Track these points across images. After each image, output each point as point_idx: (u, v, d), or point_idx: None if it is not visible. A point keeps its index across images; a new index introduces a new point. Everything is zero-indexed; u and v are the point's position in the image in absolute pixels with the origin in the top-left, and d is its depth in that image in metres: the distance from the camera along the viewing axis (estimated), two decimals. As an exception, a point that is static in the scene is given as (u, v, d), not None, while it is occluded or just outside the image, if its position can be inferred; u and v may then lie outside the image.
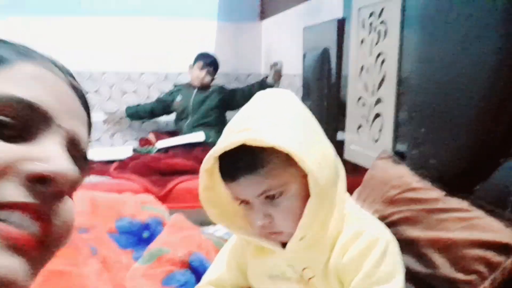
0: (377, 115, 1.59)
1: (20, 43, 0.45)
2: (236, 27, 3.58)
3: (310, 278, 0.83)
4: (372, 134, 1.63)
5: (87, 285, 0.91)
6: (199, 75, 3.09)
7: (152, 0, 3.40)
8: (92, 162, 2.61)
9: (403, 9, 1.43)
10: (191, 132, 3.00)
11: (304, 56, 2.30)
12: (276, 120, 0.75)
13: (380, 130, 1.57)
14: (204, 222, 1.61)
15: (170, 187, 2.35)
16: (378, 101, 1.58)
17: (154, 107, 3.26)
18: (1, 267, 0.34)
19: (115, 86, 3.43)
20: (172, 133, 3.31)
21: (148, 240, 1.25)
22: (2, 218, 0.35)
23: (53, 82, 0.43)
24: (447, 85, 1.11)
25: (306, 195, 0.76)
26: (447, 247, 0.94)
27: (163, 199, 2.16)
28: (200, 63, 3.10)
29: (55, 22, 3.12)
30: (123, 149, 2.94)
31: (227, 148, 0.74)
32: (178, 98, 3.16)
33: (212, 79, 3.17)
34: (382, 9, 1.54)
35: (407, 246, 1.00)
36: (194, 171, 2.45)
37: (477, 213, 0.95)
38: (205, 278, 0.97)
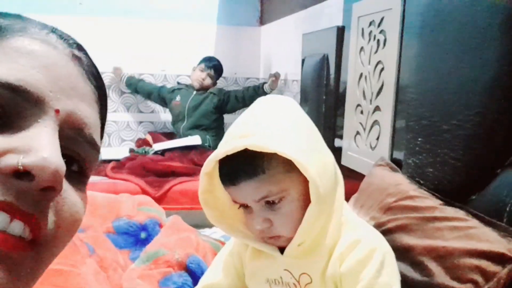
0: (375, 123, 1.60)
1: (17, 13, 0.41)
2: (235, 31, 3.59)
3: (307, 284, 0.83)
4: (369, 141, 1.64)
5: (84, 284, 0.91)
6: (199, 76, 3.10)
7: (153, 2, 3.40)
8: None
9: (403, 19, 1.44)
10: (187, 135, 3.01)
11: (303, 62, 2.31)
12: (278, 126, 0.75)
13: (378, 138, 1.58)
14: (200, 224, 1.62)
15: (166, 189, 2.35)
16: (376, 108, 1.59)
17: (153, 92, 3.27)
18: None
19: (114, 86, 3.43)
20: (169, 134, 3.32)
21: (145, 241, 1.25)
22: None
23: (48, 57, 0.38)
24: (445, 95, 1.12)
25: (305, 201, 0.76)
26: (443, 256, 0.95)
27: (159, 200, 2.16)
28: (202, 65, 3.12)
29: (54, 21, 3.09)
30: (120, 149, 2.94)
31: (229, 153, 0.74)
32: (177, 98, 3.17)
33: (214, 83, 3.17)
34: (382, 18, 1.55)
35: (403, 254, 1.01)
36: (190, 174, 2.45)
37: (473, 222, 0.96)
38: (201, 282, 0.97)
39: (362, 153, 1.68)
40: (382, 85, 1.55)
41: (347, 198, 1.24)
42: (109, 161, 2.65)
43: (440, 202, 1.07)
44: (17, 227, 0.33)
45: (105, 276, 1.03)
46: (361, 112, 1.70)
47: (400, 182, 1.19)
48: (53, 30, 0.41)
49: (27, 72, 0.35)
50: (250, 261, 0.91)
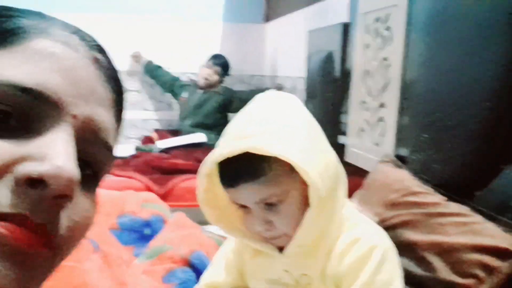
0: (380, 119, 1.60)
1: (39, 11, 0.40)
2: (241, 28, 3.60)
3: (306, 285, 0.82)
4: (374, 138, 1.64)
5: (89, 280, 0.91)
6: (205, 72, 3.10)
7: (158, 0, 3.41)
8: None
9: (409, 15, 1.44)
10: (191, 132, 3.01)
11: (308, 59, 2.31)
12: (279, 126, 0.73)
13: (382, 134, 1.57)
14: (205, 221, 1.62)
15: (171, 186, 2.36)
16: (381, 105, 1.59)
17: (167, 82, 3.31)
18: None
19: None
20: (175, 132, 3.32)
21: (150, 237, 1.25)
22: None
23: (69, 60, 0.37)
24: (450, 91, 1.12)
25: (306, 201, 0.75)
26: (446, 251, 0.95)
27: (164, 197, 2.17)
28: (210, 62, 3.13)
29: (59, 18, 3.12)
30: (126, 147, 2.95)
31: (229, 155, 0.72)
32: (184, 95, 3.18)
33: (220, 81, 3.17)
34: (388, 15, 1.55)
35: (407, 249, 1.01)
36: (195, 171, 2.45)
37: (477, 218, 0.96)
38: (203, 280, 0.96)
39: (367, 150, 1.68)
40: (388, 82, 1.55)
41: (351, 195, 1.24)
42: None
43: (444, 198, 1.06)
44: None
45: (109, 271, 1.04)
46: (366, 109, 1.69)
47: (404, 178, 1.19)
48: (76, 31, 0.40)
49: (47, 76, 0.35)
50: (250, 260, 0.90)
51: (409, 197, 1.12)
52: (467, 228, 0.95)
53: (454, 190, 1.08)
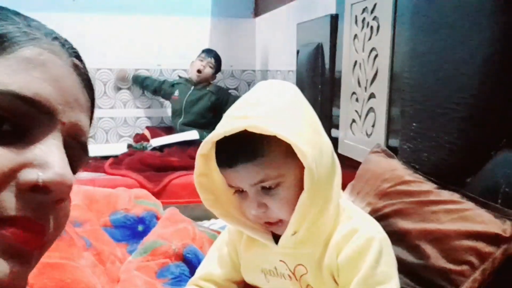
0: (370, 110, 1.60)
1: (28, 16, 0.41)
2: (230, 23, 3.59)
3: (302, 275, 0.82)
4: (365, 129, 1.64)
5: (82, 277, 0.91)
6: (199, 65, 3.06)
7: (146, -3, 3.40)
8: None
9: (395, 5, 1.44)
10: (184, 130, 3.00)
11: (298, 52, 2.30)
12: (279, 109, 0.74)
13: (373, 125, 1.58)
14: (199, 217, 1.62)
15: (165, 183, 2.35)
16: (371, 96, 1.59)
17: (158, 88, 3.28)
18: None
19: (110, 82, 3.43)
20: (167, 129, 3.31)
21: (143, 234, 1.25)
22: None
23: (56, 68, 0.39)
24: (438, 79, 1.12)
25: (301, 187, 0.75)
26: (438, 239, 0.95)
27: (158, 194, 2.16)
28: (202, 55, 3.10)
29: (49, 19, 3.08)
30: (118, 145, 2.95)
31: (227, 133, 0.72)
32: (176, 93, 3.16)
33: (213, 76, 3.15)
34: (375, 5, 1.55)
35: (399, 238, 1.01)
36: (189, 168, 2.45)
37: (468, 205, 0.96)
38: (198, 272, 0.97)
39: (358, 141, 1.68)
40: (377, 72, 1.55)
41: (344, 186, 1.24)
42: (107, 157, 2.65)
43: (436, 186, 1.07)
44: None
45: (102, 268, 1.04)
46: (357, 100, 1.69)
47: (396, 168, 1.19)
48: (56, 37, 0.41)
49: (40, 85, 0.37)
50: (245, 251, 0.90)
51: (400, 186, 1.12)
52: (459, 215, 0.95)
53: (445, 177, 1.08)
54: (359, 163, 1.36)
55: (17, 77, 0.35)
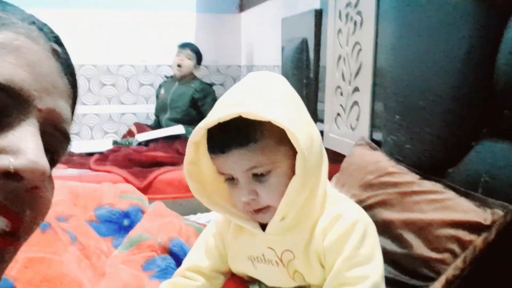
0: (355, 104, 1.61)
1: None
2: (215, 19, 3.58)
3: (289, 261, 0.84)
4: (350, 122, 1.65)
5: (67, 271, 0.91)
6: (177, 59, 3.03)
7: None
8: (72, 153, 2.59)
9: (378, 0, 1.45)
10: (169, 126, 2.99)
11: (283, 47, 2.31)
12: (273, 97, 0.76)
13: (358, 118, 1.59)
14: (185, 212, 1.62)
15: (151, 179, 2.34)
16: (355, 89, 1.60)
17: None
18: None
19: (93, 79, 3.40)
20: (153, 125, 3.30)
21: (129, 228, 1.25)
22: None
23: (32, 54, 0.38)
24: (420, 72, 1.13)
25: (291, 175, 0.76)
26: (421, 228, 0.97)
27: (144, 190, 2.15)
28: (178, 51, 3.06)
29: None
30: (103, 142, 2.93)
31: (221, 120, 0.73)
32: (162, 91, 3.15)
33: (196, 66, 3.09)
34: (358, 0, 1.56)
35: (383, 228, 1.03)
36: (175, 163, 2.45)
37: (450, 194, 0.98)
38: (184, 264, 0.97)
39: (343, 134, 1.70)
40: (360, 66, 1.56)
41: (330, 179, 1.25)
42: (92, 154, 2.63)
43: (418, 176, 1.08)
44: (2, 224, 0.34)
45: (88, 263, 1.04)
46: (341, 94, 1.71)
47: (380, 160, 1.21)
48: (34, 21, 0.40)
49: (14, 70, 0.35)
50: (232, 240, 0.91)
51: (384, 178, 1.13)
52: (441, 204, 0.97)
53: (427, 168, 1.10)
54: (344, 157, 1.37)
55: None
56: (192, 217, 1.65)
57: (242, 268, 0.92)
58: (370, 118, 1.51)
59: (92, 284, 0.98)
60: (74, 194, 1.28)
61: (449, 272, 0.89)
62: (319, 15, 1.92)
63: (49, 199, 0.40)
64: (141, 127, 3.22)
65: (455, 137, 1.06)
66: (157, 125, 3.20)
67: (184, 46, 3.06)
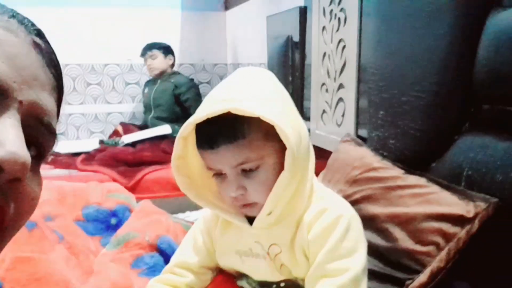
0: (340, 100, 1.63)
1: None
2: (200, 16, 3.57)
3: (276, 255, 0.85)
4: (335, 119, 1.67)
5: (54, 270, 0.91)
6: (147, 65, 3.05)
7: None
8: (58, 153, 2.57)
9: (362, -4, 1.47)
10: (155, 125, 2.98)
11: (268, 44, 2.32)
12: (262, 93, 0.76)
13: (343, 115, 1.61)
14: (173, 211, 1.63)
15: (138, 178, 2.34)
16: (340, 86, 1.62)
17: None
18: None
19: (79, 78, 3.38)
20: (140, 125, 3.28)
21: (116, 227, 1.25)
22: None
23: (12, 46, 0.37)
24: (403, 68, 1.15)
25: (279, 170, 0.77)
26: (405, 221, 0.99)
27: (131, 189, 2.14)
28: (143, 58, 3.05)
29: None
30: (90, 142, 2.91)
31: (210, 115, 0.73)
32: (146, 90, 3.14)
33: (167, 62, 3.06)
34: (342, -4, 1.57)
35: (369, 222, 1.04)
36: (162, 162, 2.45)
37: (434, 188, 0.99)
38: (172, 260, 0.98)
39: (329, 131, 1.71)
40: (345, 63, 1.58)
41: (317, 176, 1.26)
42: (79, 154, 2.62)
43: (403, 171, 1.10)
44: None
45: (76, 261, 1.04)
46: (326, 91, 1.72)
47: (365, 155, 1.22)
48: (14, 14, 0.40)
49: None
50: (220, 235, 0.92)
51: (369, 173, 1.15)
52: (425, 198, 0.99)
53: (411, 163, 1.12)
54: (330, 153, 1.39)
55: None
56: (180, 215, 1.65)
57: (230, 263, 0.93)
58: (356, 115, 1.53)
59: (80, 283, 0.98)
60: (61, 194, 1.27)
61: (434, 264, 0.91)
62: (303, 12, 1.94)
63: (35, 194, 0.39)
64: (127, 127, 3.20)
65: (437, 132, 1.08)
66: (145, 124, 3.18)
67: (144, 50, 3.04)
